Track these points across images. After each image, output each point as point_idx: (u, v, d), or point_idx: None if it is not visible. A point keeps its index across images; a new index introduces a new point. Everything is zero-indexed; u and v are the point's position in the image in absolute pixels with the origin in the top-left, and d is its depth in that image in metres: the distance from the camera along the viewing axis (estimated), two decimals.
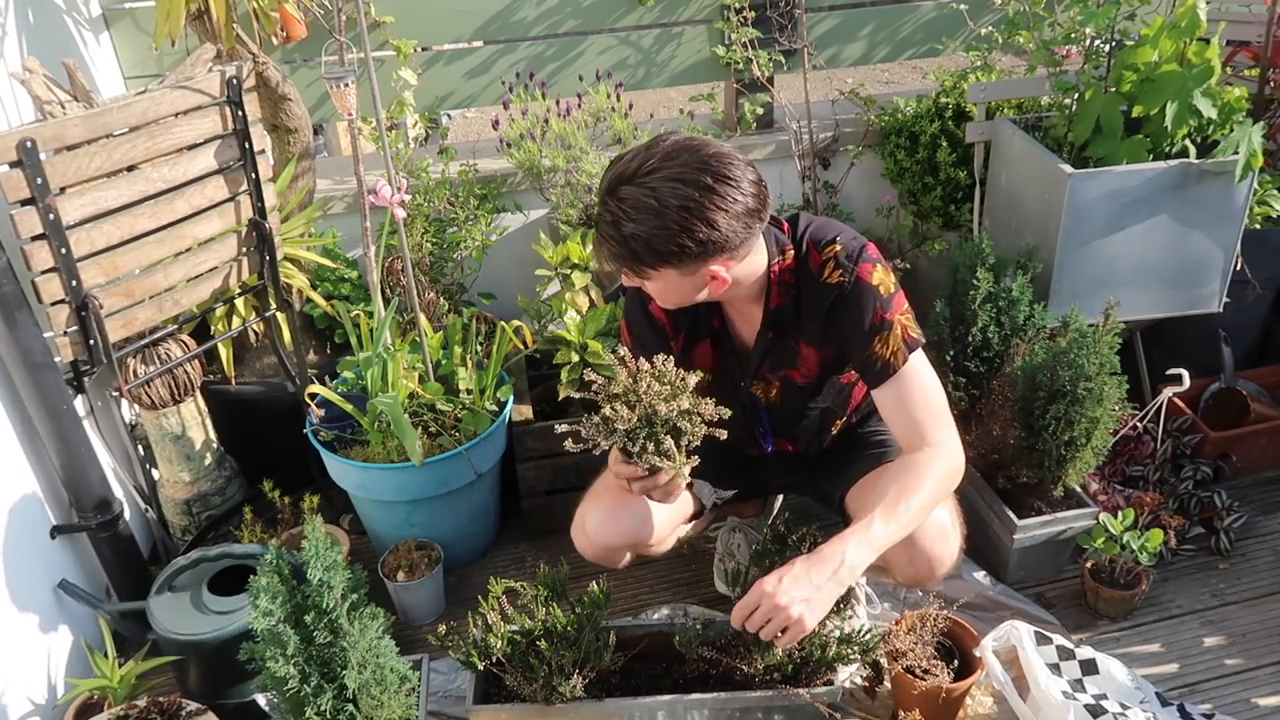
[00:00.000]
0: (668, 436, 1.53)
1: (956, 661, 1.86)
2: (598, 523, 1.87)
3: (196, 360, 2.21)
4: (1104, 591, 2.09)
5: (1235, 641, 2.05)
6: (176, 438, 2.24)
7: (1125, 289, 2.25)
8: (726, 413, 1.53)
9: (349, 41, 1.97)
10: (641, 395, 1.51)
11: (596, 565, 1.95)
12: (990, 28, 2.74)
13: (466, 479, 2.19)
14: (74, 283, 1.81)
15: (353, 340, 2.27)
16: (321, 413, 2.24)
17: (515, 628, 1.70)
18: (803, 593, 1.51)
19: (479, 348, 2.38)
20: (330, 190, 2.70)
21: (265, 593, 1.49)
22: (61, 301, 1.81)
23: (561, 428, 1.53)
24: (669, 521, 1.94)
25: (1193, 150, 2.21)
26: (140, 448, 2.31)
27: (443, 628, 1.72)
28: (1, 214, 1.78)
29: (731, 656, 1.75)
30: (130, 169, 1.88)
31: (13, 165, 1.68)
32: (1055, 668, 1.80)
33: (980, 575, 2.19)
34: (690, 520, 2.09)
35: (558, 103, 2.55)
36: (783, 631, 1.52)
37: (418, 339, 2.25)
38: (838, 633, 1.73)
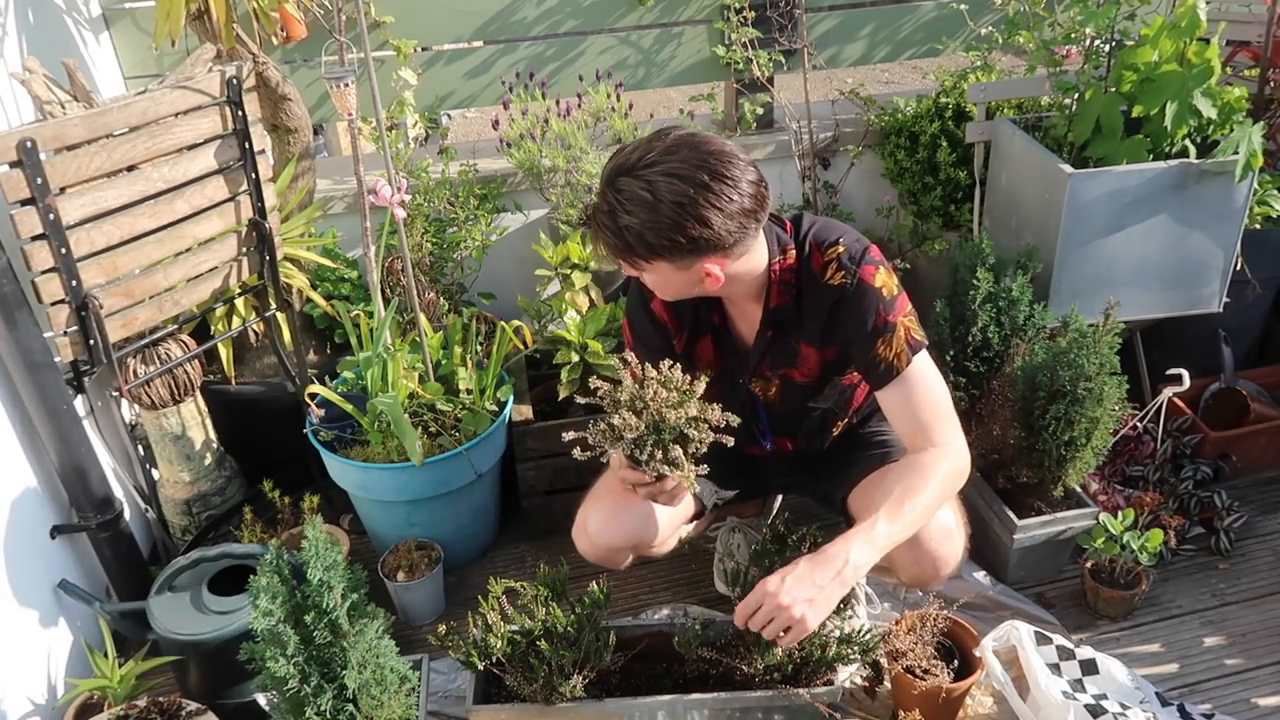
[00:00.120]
0: (675, 445, 1.52)
1: (956, 661, 1.86)
2: (599, 524, 1.86)
3: (196, 360, 2.21)
4: (1104, 591, 2.09)
5: (1235, 641, 2.05)
6: (176, 438, 2.24)
7: (1125, 289, 2.25)
8: (735, 420, 1.53)
9: (349, 41, 1.97)
10: (649, 402, 1.50)
11: (597, 565, 1.95)
12: (990, 28, 2.74)
13: (466, 479, 2.19)
14: (74, 283, 1.81)
15: (353, 340, 2.27)
16: (321, 413, 2.23)
17: (515, 628, 1.70)
18: (806, 593, 1.51)
19: (479, 348, 2.38)
20: (330, 190, 2.70)
21: (265, 593, 1.49)
22: (61, 301, 1.81)
23: (568, 436, 1.52)
24: (671, 522, 1.94)
25: (1193, 150, 2.21)
26: (140, 448, 2.31)
27: (443, 628, 1.72)
28: (1, 214, 1.78)
29: (731, 656, 1.75)
30: (130, 169, 1.88)
31: (13, 165, 1.68)
32: (1055, 668, 1.80)
33: (980, 575, 2.19)
34: (691, 520, 2.09)
35: (558, 103, 2.55)
36: (786, 631, 1.52)
37: (418, 339, 2.25)
38: (838, 633, 1.73)
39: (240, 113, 2.02)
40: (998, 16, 2.66)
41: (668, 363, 1.55)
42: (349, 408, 2.20)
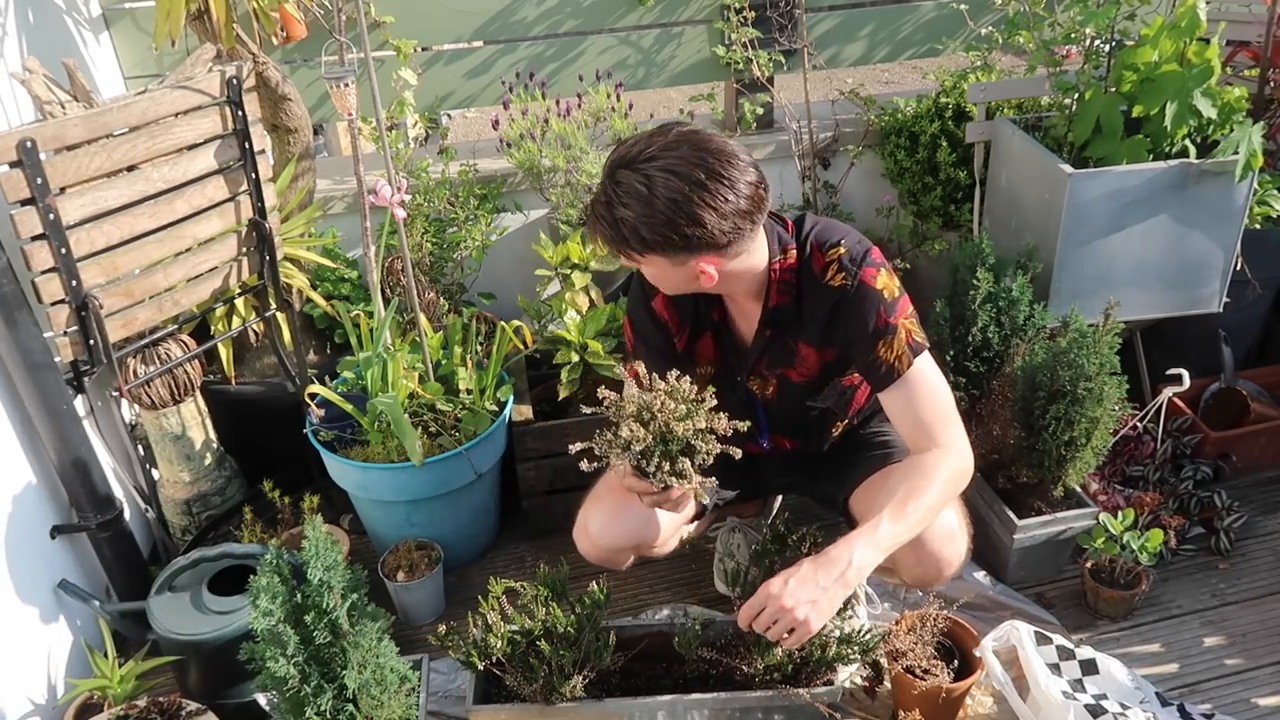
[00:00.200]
0: (682, 457, 1.52)
1: (956, 661, 1.86)
2: (600, 524, 1.86)
3: (196, 360, 2.21)
4: (1104, 591, 2.09)
5: (1235, 641, 2.05)
6: (176, 438, 2.24)
7: (1125, 289, 2.25)
8: (743, 426, 1.52)
9: (349, 41, 1.97)
10: (656, 413, 1.50)
11: (598, 566, 1.95)
12: (990, 28, 2.74)
13: (466, 479, 2.19)
14: (74, 283, 1.81)
15: (353, 340, 2.27)
16: (321, 413, 2.23)
17: (515, 628, 1.70)
18: (809, 594, 1.51)
19: (479, 348, 2.38)
20: (330, 190, 2.70)
21: (265, 593, 1.49)
22: (61, 301, 1.81)
23: (575, 447, 1.52)
24: (672, 523, 1.93)
25: (1193, 150, 2.21)
26: (140, 448, 2.31)
27: (443, 628, 1.72)
28: (1, 214, 1.78)
29: (731, 657, 1.75)
30: (130, 169, 1.88)
31: (13, 165, 1.68)
32: (1055, 668, 1.80)
33: (980, 575, 2.19)
34: (692, 521, 2.09)
35: (558, 103, 2.55)
36: (789, 633, 1.52)
37: (418, 339, 2.25)
38: (838, 633, 1.73)
39: (240, 113, 2.02)
40: (998, 16, 2.66)
41: (675, 373, 1.55)
42: (349, 408, 2.20)
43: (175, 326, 2.15)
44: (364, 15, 1.95)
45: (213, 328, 2.34)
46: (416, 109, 2.63)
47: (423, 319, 2.27)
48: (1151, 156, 2.21)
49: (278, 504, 2.28)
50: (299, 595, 1.52)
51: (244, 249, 2.16)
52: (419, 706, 1.68)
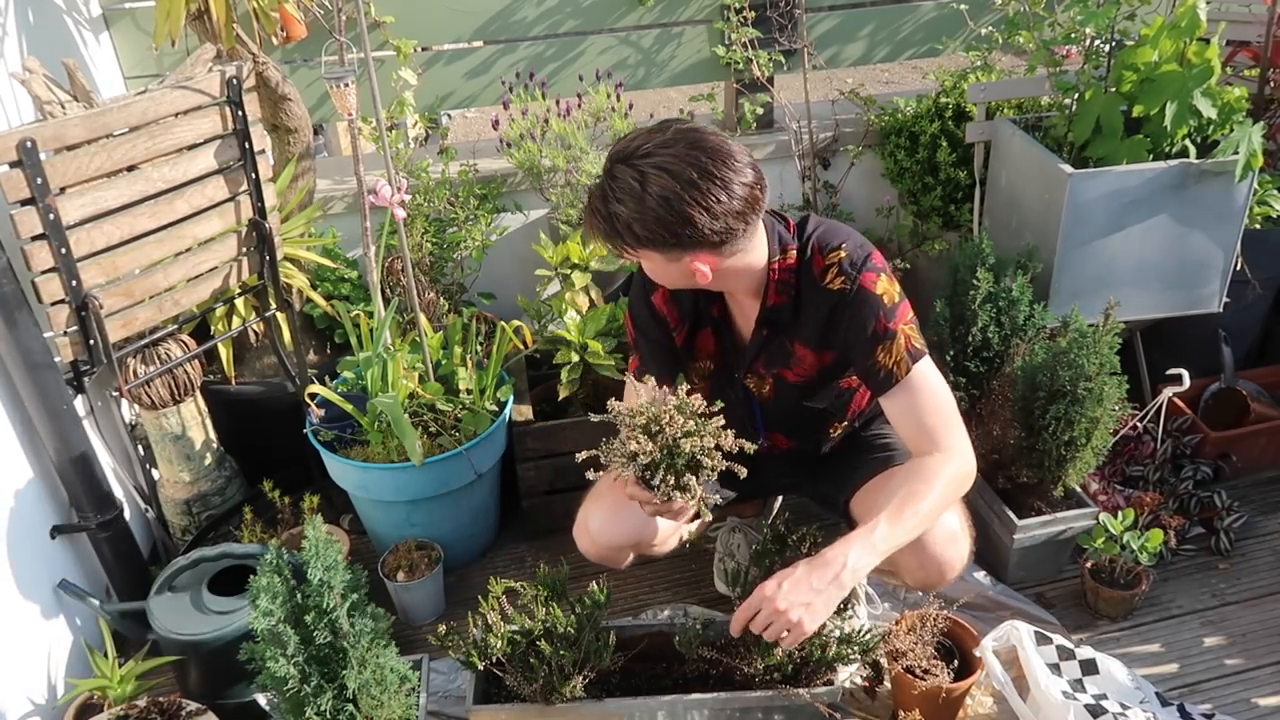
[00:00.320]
0: (688, 473, 1.52)
1: (956, 661, 1.86)
2: (601, 523, 1.87)
3: (196, 360, 2.21)
4: (1104, 591, 2.09)
5: (1235, 641, 2.05)
6: (176, 438, 2.24)
7: (1125, 289, 2.25)
8: (750, 447, 1.52)
9: (349, 41, 1.97)
10: (664, 426, 1.50)
11: (597, 565, 1.95)
12: (990, 28, 2.74)
13: (466, 479, 2.19)
14: (74, 283, 1.81)
15: (353, 340, 2.27)
16: (321, 413, 2.23)
17: (515, 628, 1.70)
18: (803, 597, 1.51)
19: (479, 348, 2.38)
20: (330, 190, 2.70)
21: (265, 593, 1.49)
22: (61, 301, 1.81)
23: (581, 456, 1.52)
24: (672, 523, 1.93)
25: (1193, 150, 2.21)
26: (140, 448, 2.31)
27: (443, 628, 1.72)
28: (1, 214, 1.78)
29: (731, 656, 1.75)
30: (130, 169, 1.88)
31: (13, 165, 1.68)
32: (1055, 668, 1.80)
33: (980, 575, 2.19)
34: (692, 520, 2.09)
35: (558, 103, 2.55)
36: (786, 634, 1.52)
37: (418, 339, 2.25)
38: (838, 633, 1.73)
39: (240, 113, 2.02)
40: (998, 16, 2.66)
41: (685, 388, 1.54)
42: (349, 408, 2.20)
43: (175, 326, 2.15)
44: (364, 15, 1.95)
45: (213, 328, 2.34)
46: (416, 109, 2.63)
47: (423, 319, 2.27)
48: (1151, 156, 2.21)
49: (278, 504, 2.28)
50: (299, 595, 1.52)
51: (244, 249, 2.16)
52: (419, 706, 1.68)
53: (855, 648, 1.73)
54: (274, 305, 2.26)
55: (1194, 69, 2.13)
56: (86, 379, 1.98)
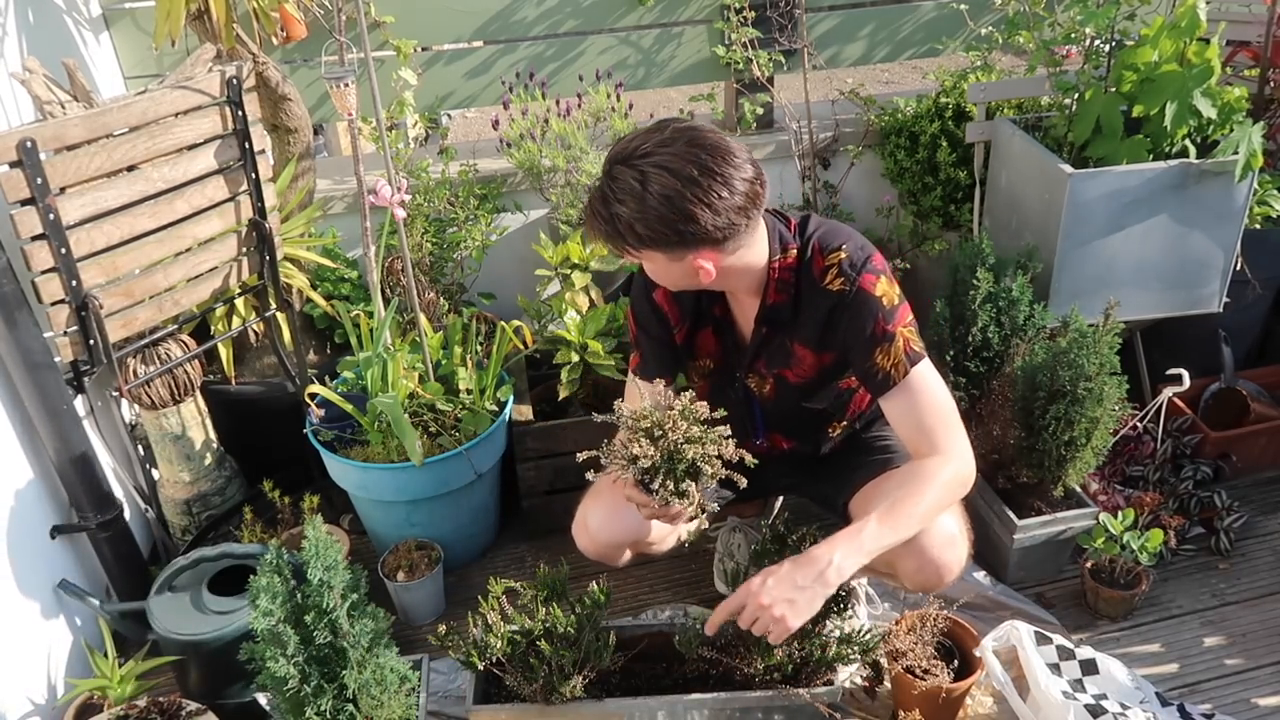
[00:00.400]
0: (687, 479, 1.52)
1: (956, 661, 1.86)
2: (600, 520, 1.87)
3: (196, 360, 2.21)
4: (1104, 591, 2.09)
5: (1235, 641, 2.05)
6: (176, 438, 2.24)
7: (1125, 289, 2.25)
8: (750, 460, 1.52)
9: (349, 41, 1.97)
10: (667, 432, 1.50)
11: (597, 564, 1.95)
12: (990, 28, 2.74)
13: (466, 479, 2.19)
14: (74, 283, 1.81)
15: (353, 340, 2.27)
16: (321, 413, 2.24)
17: (515, 628, 1.70)
18: (786, 593, 1.51)
19: (479, 348, 2.38)
20: (330, 190, 2.70)
21: (265, 593, 1.49)
22: (61, 301, 1.81)
23: (582, 456, 1.52)
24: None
25: (1193, 150, 2.21)
26: (140, 448, 2.31)
27: (443, 628, 1.72)
28: (1, 214, 1.78)
29: (731, 656, 1.75)
30: (130, 169, 1.88)
31: (13, 165, 1.68)
32: (1055, 668, 1.80)
33: (980, 575, 2.19)
34: (689, 522, 2.09)
35: (558, 103, 2.55)
36: (772, 630, 1.52)
37: (418, 339, 2.25)
38: (838, 633, 1.73)
39: (240, 113, 2.02)
40: (998, 16, 2.66)
41: (689, 394, 1.54)
42: (349, 408, 2.20)
43: (175, 326, 2.15)
44: (364, 15, 1.95)
45: (213, 328, 2.34)
46: (416, 109, 2.63)
47: (423, 319, 2.27)
48: (1151, 156, 2.21)
49: (278, 504, 2.29)
50: (299, 595, 1.52)
51: (244, 249, 2.16)
52: (419, 706, 1.68)
53: (855, 648, 1.73)
54: (274, 305, 2.27)
55: (1194, 69, 2.13)
56: (86, 379, 1.98)
